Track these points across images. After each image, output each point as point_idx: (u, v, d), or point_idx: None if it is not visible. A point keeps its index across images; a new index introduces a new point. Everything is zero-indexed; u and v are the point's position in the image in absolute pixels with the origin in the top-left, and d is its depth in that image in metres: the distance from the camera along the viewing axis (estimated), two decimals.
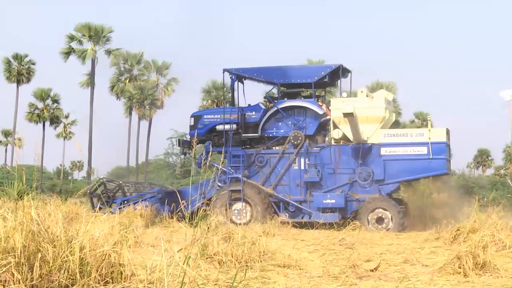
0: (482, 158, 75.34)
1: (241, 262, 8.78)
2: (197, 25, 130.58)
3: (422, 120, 53.69)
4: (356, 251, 11.30)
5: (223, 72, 20.34)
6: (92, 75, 49.10)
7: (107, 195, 20.57)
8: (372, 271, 8.96)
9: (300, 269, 8.96)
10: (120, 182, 22.10)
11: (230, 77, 20.36)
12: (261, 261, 8.92)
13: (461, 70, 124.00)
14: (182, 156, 21.95)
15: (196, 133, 19.57)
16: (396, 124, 46.94)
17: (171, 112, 73.21)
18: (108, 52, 49.58)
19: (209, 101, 48.96)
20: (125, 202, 20.26)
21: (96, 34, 48.20)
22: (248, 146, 20.16)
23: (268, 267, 8.76)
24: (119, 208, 19.35)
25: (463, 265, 8.56)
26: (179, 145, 21.53)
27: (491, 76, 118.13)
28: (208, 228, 9.58)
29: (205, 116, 20.56)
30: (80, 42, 48.65)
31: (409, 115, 56.36)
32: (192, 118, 20.59)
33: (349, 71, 20.49)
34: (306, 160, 19.25)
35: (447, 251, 11.43)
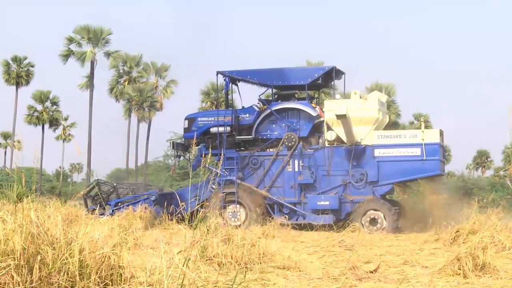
0: (482, 159, 75.37)
1: (240, 264, 8.77)
2: (196, 26, 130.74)
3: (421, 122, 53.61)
4: (356, 252, 11.30)
5: (217, 75, 20.37)
6: (91, 77, 49.13)
7: (101, 196, 20.50)
8: (372, 272, 8.96)
9: (299, 271, 8.96)
10: (115, 184, 22.05)
11: (224, 80, 20.39)
12: (260, 263, 8.91)
13: (461, 70, 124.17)
14: (177, 159, 21.98)
15: (195, 135, 19.57)
16: (395, 126, 47.03)
17: (171, 114, 73.31)
18: (107, 54, 49.62)
19: (208, 103, 48.98)
20: (120, 203, 20.25)
21: (95, 36, 48.25)
22: (242, 148, 20.16)
23: (268, 269, 8.76)
24: (113, 210, 19.36)
25: (463, 267, 8.56)
26: (173, 148, 21.50)
27: (490, 77, 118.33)
28: (208, 230, 9.58)
29: (199, 119, 20.55)
30: (79, 45, 48.71)
31: (408, 117, 56.40)
32: (186, 121, 20.59)
33: (342, 73, 20.58)
34: (300, 162, 19.29)
35: (446, 253, 11.42)
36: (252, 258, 8.99)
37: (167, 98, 54.37)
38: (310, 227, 18.33)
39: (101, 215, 16.68)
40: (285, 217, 18.90)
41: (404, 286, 7.89)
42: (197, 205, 11.86)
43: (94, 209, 19.27)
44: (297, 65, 36.41)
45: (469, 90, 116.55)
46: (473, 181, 49.67)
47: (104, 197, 20.56)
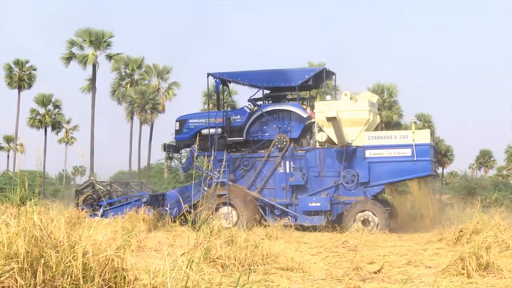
0: (484, 159, 75.23)
1: (244, 265, 8.77)
2: (199, 27, 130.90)
3: (423, 122, 53.62)
4: (359, 253, 11.30)
5: (207, 77, 20.35)
6: (93, 80, 49.16)
7: (93, 197, 20.28)
8: (376, 273, 8.96)
9: (303, 272, 8.96)
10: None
11: (215, 81, 20.35)
12: (264, 264, 8.91)
13: (462, 70, 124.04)
14: (169, 161, 21.98)
15: (197, 138, 19.53)
16: (397, 126, 47.01)
17: (173, 116, 73.36)
18: (109, 57, 49.61)
19: (211, 104, 49.01)
20: (111, 204, 20.09)
21: (97, 39, 48.23)
22: (233, 150, 20.13)
23: (271, 270, 8.76)
24: (104, 211, 19.19)
25: (467, 266, 8.56)
26: (164, 150, 21.37)
27: (492, 77, 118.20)
28: (211, 231, 9.58)
29: (190, 121, 20.50)
30: (81, 47, 48.69)
31: (411, 117, 56.37)
32: (177, 123, 20.57)
33: (333, 73, 20.69)
34: (291, 163, 19.32)
35: (450, 253, 11.41)
36: (255, 259, 8.99)
37: (169, 100, 54.44)
38: (313, 228, 18.33)
39: (103, 216, 16.64)
40: (289, 218, 18.88)
41: (408, 287, 7.88)
42: (203, 207, 11.88)
43: (96, 214, 19.22)
44: (300, 66, 36.41)
45: (471, 90, 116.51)
46: (476, 181, 49.57)
47: (94, 197, 20.29)
